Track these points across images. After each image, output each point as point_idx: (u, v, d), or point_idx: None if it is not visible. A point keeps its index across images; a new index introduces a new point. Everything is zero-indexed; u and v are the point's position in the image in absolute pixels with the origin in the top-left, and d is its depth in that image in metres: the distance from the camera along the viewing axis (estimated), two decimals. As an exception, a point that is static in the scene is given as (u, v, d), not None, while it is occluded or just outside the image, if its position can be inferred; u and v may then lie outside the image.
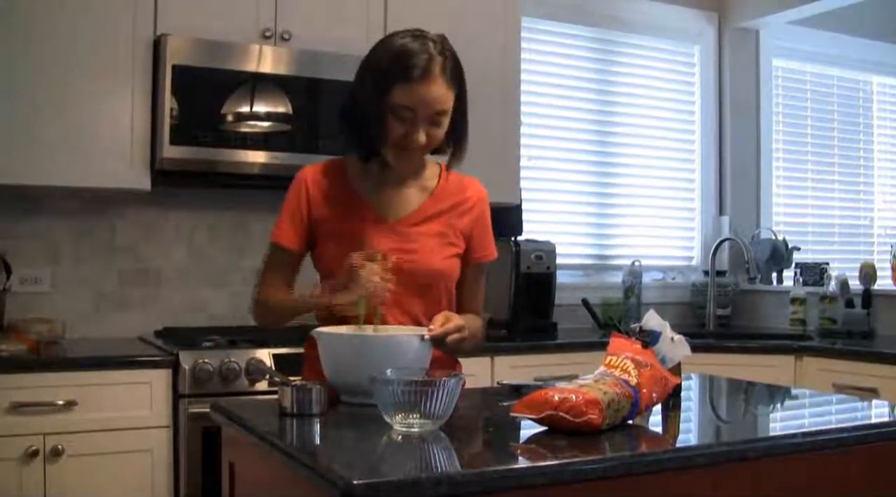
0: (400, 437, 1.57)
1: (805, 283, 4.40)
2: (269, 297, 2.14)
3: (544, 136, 4.50)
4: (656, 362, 1.81)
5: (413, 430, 1.58)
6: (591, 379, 1.69)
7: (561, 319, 4.15)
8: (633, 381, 1.69)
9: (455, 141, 2.12)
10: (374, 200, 2.12)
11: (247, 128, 3.29)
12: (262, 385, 2.95)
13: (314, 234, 2.12)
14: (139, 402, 2.87)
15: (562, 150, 4.57)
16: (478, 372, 3.35)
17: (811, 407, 2.28)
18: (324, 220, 2.10)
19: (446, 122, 2.04)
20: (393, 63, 1.97)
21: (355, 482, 1.27)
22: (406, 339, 1.88)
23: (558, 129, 4.56)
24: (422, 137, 1.99)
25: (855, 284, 4.15)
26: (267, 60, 3.31)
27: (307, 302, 2.08)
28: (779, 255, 4.69)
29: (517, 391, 2.03)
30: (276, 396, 1.80)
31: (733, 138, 4.94)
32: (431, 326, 1.91)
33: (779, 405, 2.30)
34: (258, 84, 3.28)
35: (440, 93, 1.98)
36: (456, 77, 2.03)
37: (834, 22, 5.09)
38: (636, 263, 4.46)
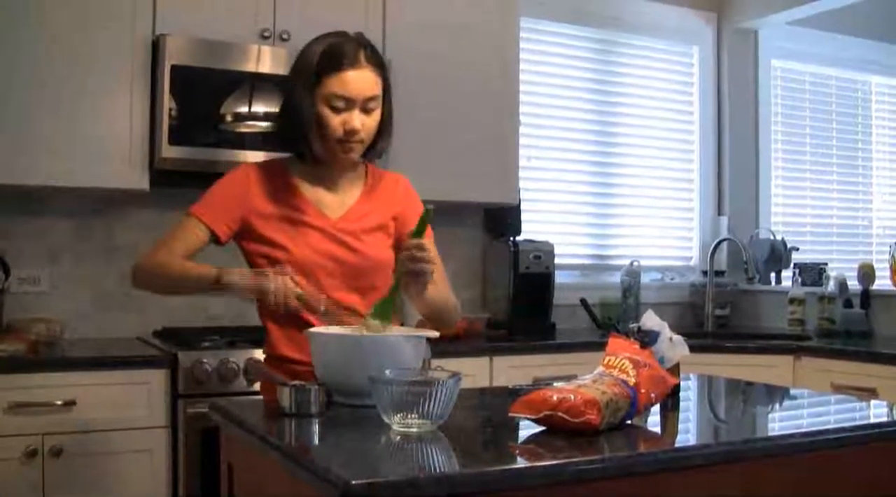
0: (398, 438, 1.57)
1: (804, 284, 4.40)
2: (159, 259, 2.09)
3: (543, 137, 4.50)
4: (655, 362, 1.81)
5: (412, 430, 1.58)
6: (590, 379, 1.69)
7: (559, 320, 4.15)
8: (632, 381, 1.70)
9: (382, 133, 2.18)
10: (315, 199, 2.17)
11: (245, 128, 3.29)
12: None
13: (247, 229, 2.14)
14: (138, 402, 2.87)
15: (561, 150, 4.57)
16: (477, 372, 3.36)
17: (810, 407, 2.28)
18: (265, 215, 2.13)
19: (377, 112, 2.12)
20: (322, 57, 2.08)
21: (354, 482, 1.27)
22: (398, 339, 1.88)
23: (557, 129, 4.56)
24: (357, 123, 2.07)
25: (853, 284, 4.15)
26: (265, 61, 3.31)
27: (195, 274, 2.06)
28: (777, 255, 4.69)
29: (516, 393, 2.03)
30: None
31: (732, 138, 4.94)
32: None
33: (777, 405, 2.30)
34: (257, 84, 3.28)
35: (370, 78, 2.08)
36: (381, 68, 2.12)
37: (832, 22, 5.09)
38: (635, 263, 4.46)
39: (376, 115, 2.12)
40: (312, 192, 2.18)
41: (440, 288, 2.15)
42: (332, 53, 2.08)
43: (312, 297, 2.01)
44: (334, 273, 2.12)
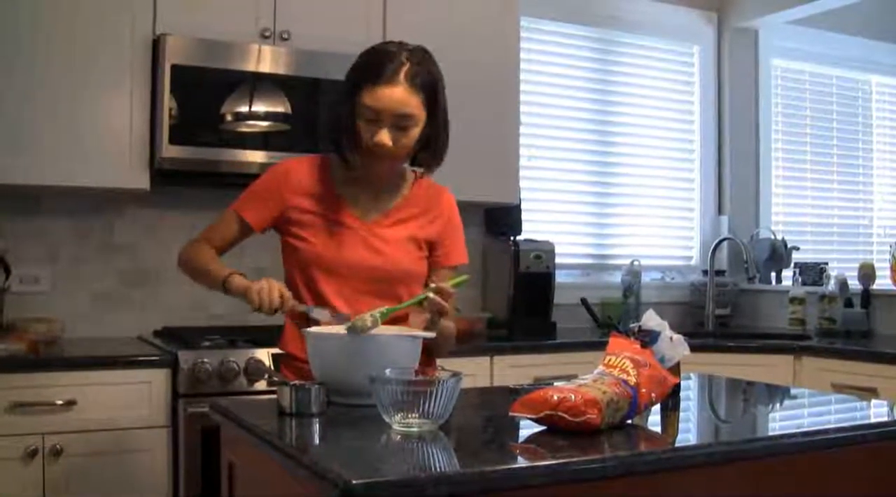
0: (399, 437, 1.57)
1: (804, 283, 4.40)
2: (196, 250, 2.23)
3: (544, 136, 4.50)
4: (655, 362, 1.81)
5: (412, 429, 1.58)
6: (591, 379, 1.69)
7: (560, 319, 4.15)
8: (633, 380, 1.70)
9: (428, 151, 2.16)
10: (351, 200, 2.18)
11: (246, 127, 3.29)
12: (261, 385, 2.94)
13: (285, 223, 2.18)
14: (138, 401, 2.87)
15: (561, 149, 4.57)
16: (477, 372, 3.36)
17: (810, 407, 2.28)
18: (302, 210, 2.16)
19: (414, 129, 2.08)
20: (365, 65, 2.07)
21: (354, 482, 1.27)
22: (396, 339, 1.89)
23: (558, 128, 4.56)
24: (385, 139, 2.04)
25: (854, 284, 4.15)
26: (266, 60, 3.31)
27: (213, 272, 2.15)
28: (778, 254, 4.69)
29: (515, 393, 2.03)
30: (275, 396, 1.80)
31: (732, 138, 4.94)
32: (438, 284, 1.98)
33: (778, 405, 2.30)
34: (257, 84, 3.28)
35: (403, 97, 2.03)
36: (426, 87, 2.08)
37: (833, 22, 5.09)
38: (635, 263, 4.46)
39: (413, 133, 2.08)
40: (349, 192, 2.18)
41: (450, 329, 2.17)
42: (371, 64, 2.06)
43: (299, 303, 2.06)
44: (358, 275, 2.13)
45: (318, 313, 2.05)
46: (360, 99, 2.04)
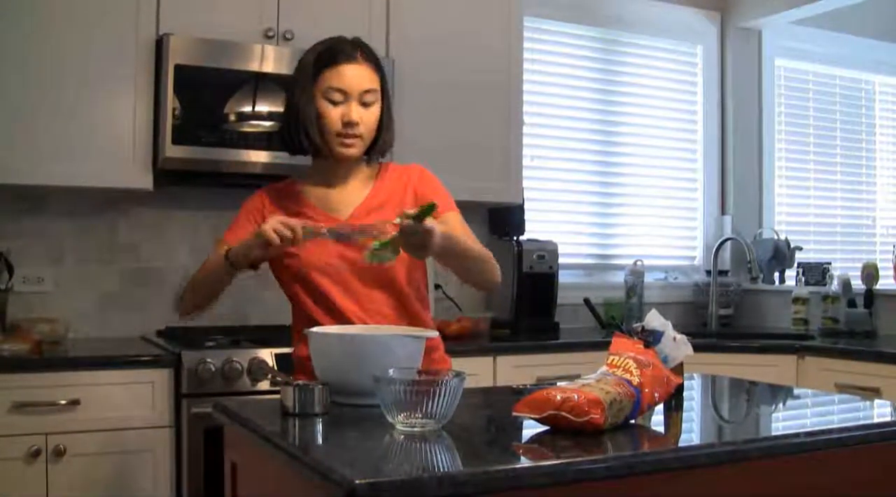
0: (402, 437, 1.57)
1: (807, 283, 4.40)
2: (191, 281, 2.26)
3: (547, 136, 4.50)
4: (658, 362, 1.81)
5: (415, 429, 1.58)
6: (594, 378, 1.69)
7: (563, 319, 4.15)
8: (636, 380, 1.69)
9: (382, 129, 2.21)
10: (322, 202, 2.22)
11: (249, 127, 3.29)
12: (265, 385, 2.95)
13: None
14: (141, 401, 2.87)
15: (564, 149, 4.57)
16: (480, 372, 3.35)
17: (813, 407, 2.28)
18: None
19: (375, 107, 2.17)
20: (321, 54, 2.17)
21: (358, 482, 1.27)
22: (398, 338, 1.89)
23: (561, 128, 4.56)
24: (355, 115, 2.12)
25: (857, 284, 4.14)
26: (269, 60, 3.31)
27: (214, 265, 2.17)
28: (781, 254, 4.68)
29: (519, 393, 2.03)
30: (278, 396, 1.80)
31: (736, 138, 4.94)
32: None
33: (781, 405, 2.30)
34: (260, 84, 3.28)
35: (366, 73, 2.15)
36: (379, 67, 2.19)
37: (836, 22, 5.09)
38: (638, 263, 4.46)
39: (375, 110, 2.17)
40: (319, 196, 2.23)
41: (468, 242, 2.16)
42: (329, 50, 2.16)
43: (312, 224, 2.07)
44: (353, 267, 2.14)
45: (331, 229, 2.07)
46: (323, 84, 2.13)
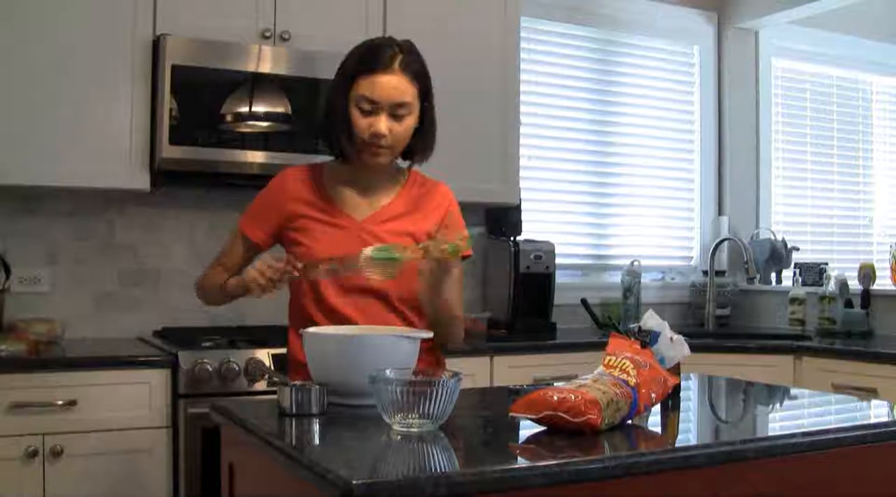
0: (399, 438, 1.57)
1: (804, 283, 4.40)
2: (206, 276, 2.28)
3: (544, 136, 4.50)
4: (655, 362, 1.81)
5: (412, 430, 1.58)
6: (591, 379, 1.69)
7: (560, 319, 4.15)
8: (633, 381, 1.70)
9: (419, 143, 2.18)
10: (344, 201, 2.19)
11: (246, 128, 3.29)
12: (262, 385, 2.94)
13: (287, 232, 2.19)
14: (138, 402, 2.87)
15: (561, 150, 4.57)
16: (477, 372, 3.36)
17: (810, 407, 2.28)
18: (298, 216, 2.18)
19: (409, 119, 2.11)
20: (358, 58, 2.11)
21: (354, 482, 1.27)
22: (393, 339, 1.89)
23: (558, 129, 4.56)
24: (382, 128, 2.07)
25: (854, 284, 4.15)
26: (266, 60, 3.31)
27: (216, 286, 2.22)
28: (778, 255, 4.69)
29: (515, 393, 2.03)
30: (275, 397, 1.80)
31: (733, 138, 4.94)
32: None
33: (778, 405, 2.30)
34: (257, 84, 3.28)
35: (399, 84, 2.07)
36: (419, 76, 2.12)
37: (833, 22, 5.09)
38: (635, 263, 4.46)
39: (408, 123, 2.11)
40: (342, 194, 2.20)
41: (455, 299, 2.17)
42: (367, 55, 2.09)
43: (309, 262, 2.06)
44: (357, 273, 2.12)
45: (315, 272, 2.06)
46: (356, 91, 2.08)
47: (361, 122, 2.08)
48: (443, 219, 2.23)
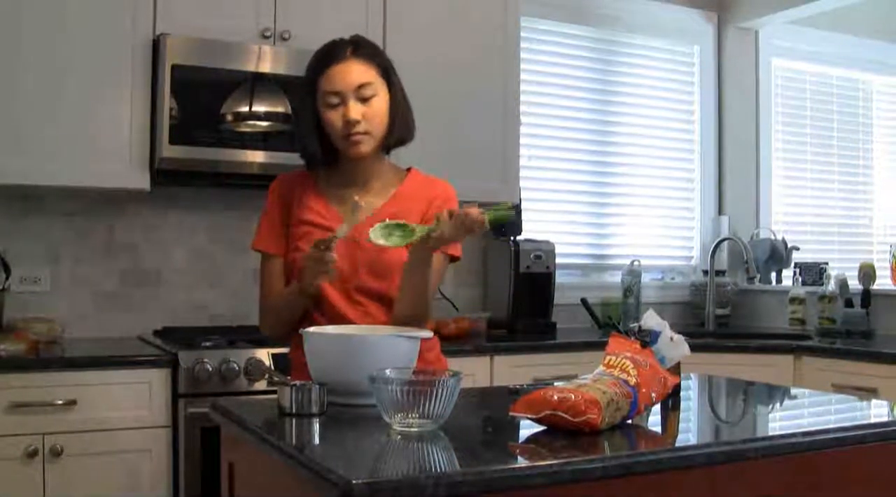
0: (399, 437, 1.57)
1: (804, 283, 4.40)
2: (265, 311, 2.24)
3: (544, 136, 4.50)
4: (655, 362, 1.81)
5: (412, 429, 1.58)
6: (591, 379, 1.69)
7: (560, 319, 4.15)
8: (633, 380, 1.69)
9: (397, 120, 2.18)
10: (339, 203, 2.19)
11: (246, 127, 3.29)
12: (262, 385, 2.94)
13: (289, 238, 2.20)
14: (138, 401, 2.87)
15: (561, 149, 4.57)
16: (477, 372, 3.36)
17: (810, 407, 2.28)
18: (296, 222, 2.18)
19: (378, 100, 2.13)
20: (314, 63, 2.16)
21: (354, 482, 1.27)
22: (393, 339, 1.88)
23: (558, 128, 4.56)
24: (354, 114, 2.09)
25: (854, 284, 4.15)
26: (266, 60, 3.31)
27: (291, 296, 2.16)
28: (778, 254, 4.69)
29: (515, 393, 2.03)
30: (275, 396, 1.80)
31: (733, 138, 4.94)
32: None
33: (778, 405, 2.30)
34: (257, 84, 3.28)
35: (356, 68, 2.11)
36: (374, 57, 2.16)
37: (834, 22, 5.09)
38: (635, 263, 4.46)
39: (377, 103, 2.13)
40: (338, 196, 2.20)
41: (433, 282, 2.14)
42: (320, 57, 2.15)
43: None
44: (356, 273, 2.13)
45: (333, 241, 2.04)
46: (320, 91, 2.11)
47: (333, 116, 2.11)
48: (425, 212, 2.19)
